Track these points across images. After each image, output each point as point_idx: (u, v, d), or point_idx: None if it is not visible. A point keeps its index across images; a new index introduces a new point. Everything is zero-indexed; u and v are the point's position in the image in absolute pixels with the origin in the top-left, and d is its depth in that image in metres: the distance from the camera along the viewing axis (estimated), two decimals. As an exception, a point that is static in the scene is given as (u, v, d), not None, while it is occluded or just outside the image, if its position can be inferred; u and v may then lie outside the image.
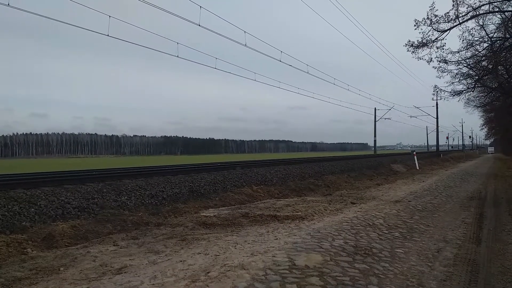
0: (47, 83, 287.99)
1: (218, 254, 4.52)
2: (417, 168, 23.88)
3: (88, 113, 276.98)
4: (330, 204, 8.81)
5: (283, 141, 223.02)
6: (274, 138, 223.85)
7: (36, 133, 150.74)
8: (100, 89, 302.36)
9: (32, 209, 6.62)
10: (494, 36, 15.96)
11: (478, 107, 30.50)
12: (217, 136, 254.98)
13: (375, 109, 47.85)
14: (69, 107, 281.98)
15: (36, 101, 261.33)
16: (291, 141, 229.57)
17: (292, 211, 7.66)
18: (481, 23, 15.52)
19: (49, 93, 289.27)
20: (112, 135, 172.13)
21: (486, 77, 18.97)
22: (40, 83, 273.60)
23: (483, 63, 17.35)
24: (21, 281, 3.80)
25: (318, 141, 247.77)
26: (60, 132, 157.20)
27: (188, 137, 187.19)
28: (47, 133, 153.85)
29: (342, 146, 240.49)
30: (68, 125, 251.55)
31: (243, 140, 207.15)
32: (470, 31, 15.69)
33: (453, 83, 19.20)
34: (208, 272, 3.78)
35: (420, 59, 14.92)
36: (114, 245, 5.21)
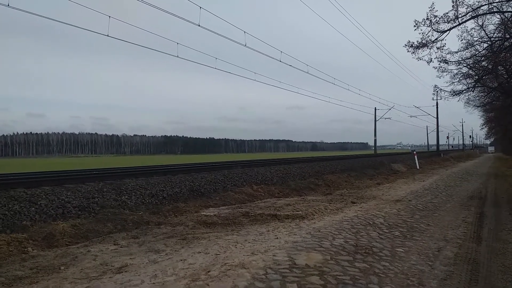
0: (44, 83, 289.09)
1: (218, 253, 4.53)
2: (418, 167, 23.88)
3: (85, 112, 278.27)
4: (330, 203, 8.81)
5: (283, 140, 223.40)
6: (274, 138, 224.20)
7: (36, 133, 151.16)
8: (98, 88, 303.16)
9: (33, 208, 6.62)
10: (494, 36, 15.97)
11: (478, 107, 30.57)
12: (217, 135, 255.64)
13: (375, 109, 47.93)
14: (66, 107, 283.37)
15: (33, 100, 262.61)
16: (291, 141, 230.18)
17: (293, 210, 7.66)
18: (480, 24, 15.55)
19: (46, 92, 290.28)
20: (112, 134, 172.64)
21: (486, 77, 18.99)
22: (37, 83, 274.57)
23: (483, 63, 17.37)
24: (21, 280, 3.80)
25: (318, 141, 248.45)
26: (60, 132, 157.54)
27: (188, 136, 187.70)
28: (47, 132, 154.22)
29: (342, 146, 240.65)
30: (65, 124, 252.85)
31: (243, 140, 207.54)
32: (469, 32, 15.73)
33: (453, 83, 19.25)
34: (208, 271, 3.78)
35: (420, 59, 14.92)
36: (114, 244, 5.22)
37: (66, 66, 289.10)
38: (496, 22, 15.49)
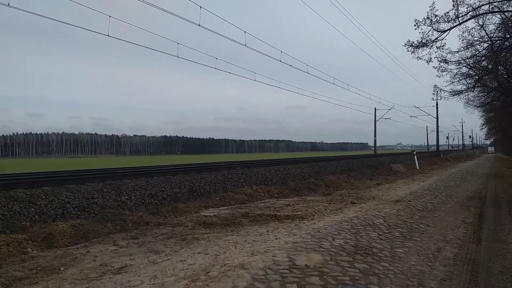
0: (44, 83, 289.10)
1: (218, 253, 4.52)
2: (417, 167, 23.88)
3: (85, 112, 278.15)
4: (330, 203, 8.81)
5: (283, 140, 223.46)
6: (274, 138, 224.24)
7: (36, 133, 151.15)
8: (97, 89, 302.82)
9: (32, 209, 6.62)
10: (494, 36, 15.99)
11: (478, 107, 30.63)
12: (217, 136, 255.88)
13: (375, 109, 47.93)
14: (66, 107, 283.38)
15: (32, 100, 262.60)
16: (291, 141, 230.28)
17: (292, 211, 7.66)
18: (481, 23, 15.59)
19: (45, 92, 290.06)
20: (112, 135, 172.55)
21: (486, 77, 19.04)
22: (37, 83, 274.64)
23: (483, 63, 17.41)
24: (21, 281, 3.80)
25: (318, 141, 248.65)
26: (60, 132, 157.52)
27: (188, 137, 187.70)
28: (47, 133, 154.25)
29: (342, 146, 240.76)
30: (65, 124, 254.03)
31: (243, 140, 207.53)
32: (470, 31, 15.78)
33: (453, 82, 19.34)
34: (208, 272, 3.78)
35: (420, 58, 14.97)
36: (114, 245, 5.21)
37: (66, 66, 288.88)
38: (497, 22, 15.53)
